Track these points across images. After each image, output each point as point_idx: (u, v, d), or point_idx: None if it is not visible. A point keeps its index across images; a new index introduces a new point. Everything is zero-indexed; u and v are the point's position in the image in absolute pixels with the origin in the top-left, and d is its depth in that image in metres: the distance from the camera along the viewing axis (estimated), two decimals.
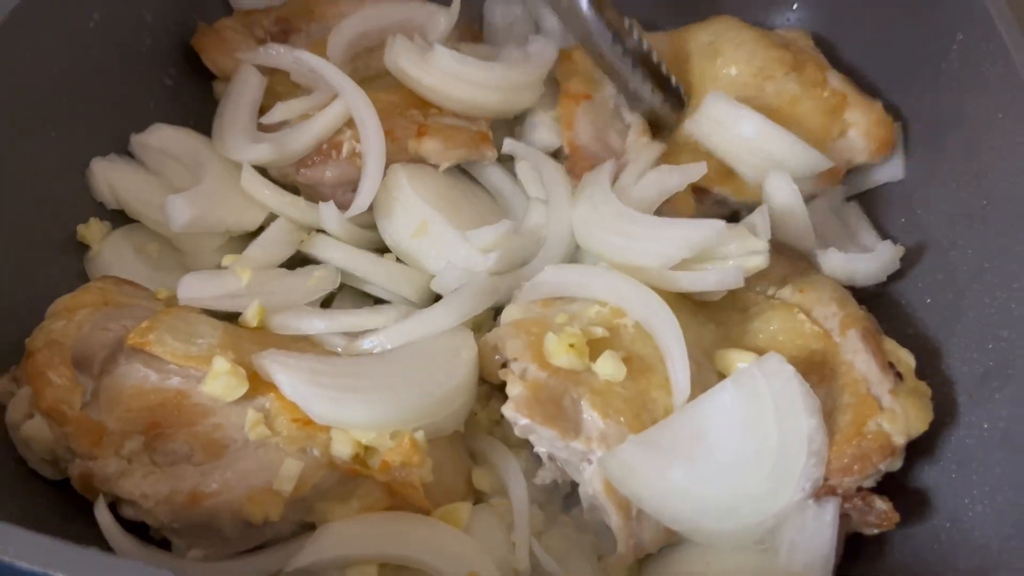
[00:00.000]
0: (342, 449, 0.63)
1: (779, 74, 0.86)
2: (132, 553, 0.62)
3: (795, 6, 1.00)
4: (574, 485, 0.69)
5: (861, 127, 0.86)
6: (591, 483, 0.65)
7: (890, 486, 0.69)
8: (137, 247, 0.85)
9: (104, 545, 0.63)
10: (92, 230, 0.83)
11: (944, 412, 0.71)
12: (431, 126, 0.84)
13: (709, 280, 0.71)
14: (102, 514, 0.62)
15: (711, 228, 0.71)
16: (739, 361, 0.70)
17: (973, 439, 0.68)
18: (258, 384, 0.65)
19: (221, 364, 0.64)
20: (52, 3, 0.81)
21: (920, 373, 0.73)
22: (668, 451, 0.62)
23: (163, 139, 0.88)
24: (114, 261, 0.83)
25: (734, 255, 0.73)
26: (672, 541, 0.66)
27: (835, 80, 0.88)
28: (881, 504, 0.65)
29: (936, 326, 0.78)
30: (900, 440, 0.65)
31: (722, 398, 0.63)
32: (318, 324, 0.75)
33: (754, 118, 0.80)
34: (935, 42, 0.85)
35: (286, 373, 0.64)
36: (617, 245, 0.73)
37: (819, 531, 0.63)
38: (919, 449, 0.69)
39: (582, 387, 0.66)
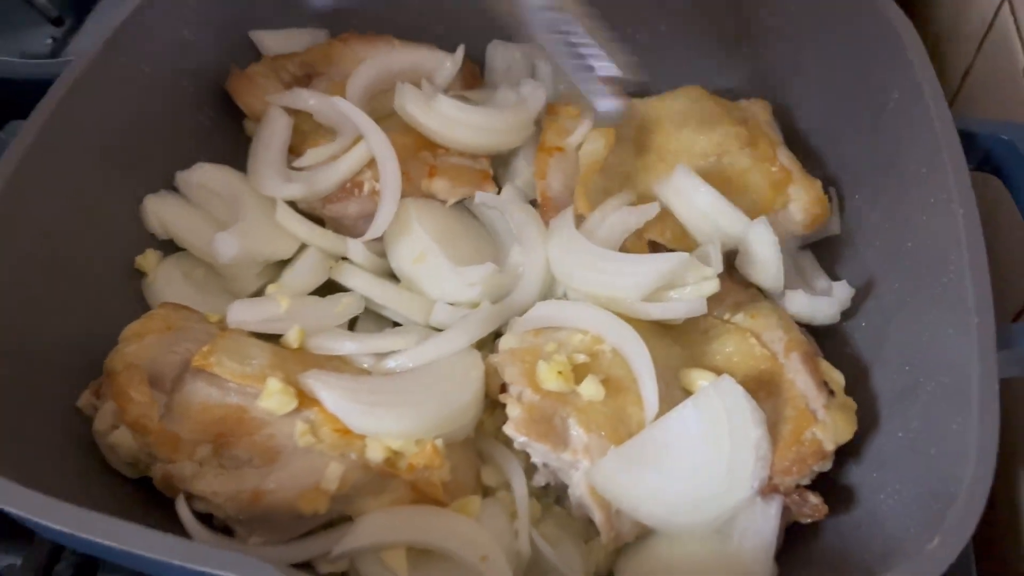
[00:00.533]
0: (375, 454, 0.75)
1: (735, 148, 0.97)
2: (206, 539, 0.74)
3: (756, 74, 1.10)
4: (564, 485, 0.81)
5: (800, 203, 0.95)
6: (578, 486, 0.77)
7: (823, 483, 0.80)
8: (185, 273, 0.96)
9: (179, 532, 0.75)
10: (148, 260, 0.94)
11: (868, 421, 0.82)
12: (440, 166, 0.97)
13: (679, 309, 0.83)
14: (183, 509, 0.75)
15: (678, 260, 0.83)
16: (700, 380, 0.82)
17: (889, 446, 0.79)
18: (304, 399, 0.77)
19: (274, 384, 0.77)
20: (112, 61, 0.92)
21: (850, 387, 0.85)
22: (641, 462, 0.74)
23: (204, 176, 0.99)
24: (166, 286, 0.94)
25: (690, 282, 0.85)
26: (646, 531, 0.78)
27: (783, 157, 0.98)
28: (814, 499, 0.77)
29: (867, 347, 0.89)
30: (830, 447, 0.77)
31: (685, 415, 0.76)
32: (350, 345, 0.86)
33: (708, 193, 0.91)
34: (875, 97, 0.95)
35: (328, 391, 0.76)
36: (593, 280, 0.85)
37: (765, 522, 0.76)
38: (847, 452, 0.80)
39: (569, 407, 0.78)
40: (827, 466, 0.79)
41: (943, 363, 0.76)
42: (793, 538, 0.79)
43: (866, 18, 0.98)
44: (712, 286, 0.85)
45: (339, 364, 0.85)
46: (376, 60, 1.05)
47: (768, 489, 0.76)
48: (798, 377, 0.82)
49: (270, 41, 1.10)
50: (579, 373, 0.80)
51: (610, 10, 1.09)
